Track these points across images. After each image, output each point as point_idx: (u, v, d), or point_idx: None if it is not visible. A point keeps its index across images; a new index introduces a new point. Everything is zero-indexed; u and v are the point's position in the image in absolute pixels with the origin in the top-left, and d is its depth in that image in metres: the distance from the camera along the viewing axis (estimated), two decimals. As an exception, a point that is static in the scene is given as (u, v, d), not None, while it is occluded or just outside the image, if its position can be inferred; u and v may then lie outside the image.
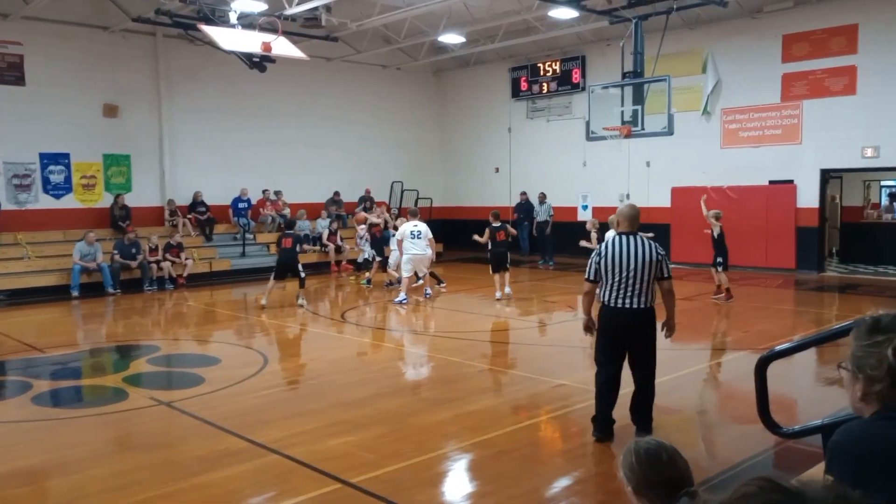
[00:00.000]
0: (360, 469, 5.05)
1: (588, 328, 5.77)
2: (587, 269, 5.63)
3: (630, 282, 5.40)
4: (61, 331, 11.51)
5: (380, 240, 15.19)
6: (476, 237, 13.21)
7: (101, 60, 16.27)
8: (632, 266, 5.40)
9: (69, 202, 16.12)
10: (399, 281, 13.42)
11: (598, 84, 15.06)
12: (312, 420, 6.25)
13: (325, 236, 18.13)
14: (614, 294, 5.45)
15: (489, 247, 13.05)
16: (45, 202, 15.79)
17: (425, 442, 5.68)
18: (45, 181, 15.82)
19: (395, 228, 14.33)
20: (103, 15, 15.91)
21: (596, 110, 14.19)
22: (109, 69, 16.41)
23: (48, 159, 15.82)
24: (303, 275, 12.52)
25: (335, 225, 18.42)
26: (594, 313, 5.75)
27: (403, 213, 14.74)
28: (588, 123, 14.33)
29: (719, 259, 12.07)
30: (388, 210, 19.13)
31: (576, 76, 19.50)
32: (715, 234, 12.06)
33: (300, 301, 12.56)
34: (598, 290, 5.68)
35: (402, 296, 12.78)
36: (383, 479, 4.89)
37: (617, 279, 5.41)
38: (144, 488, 4.85)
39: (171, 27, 15.41)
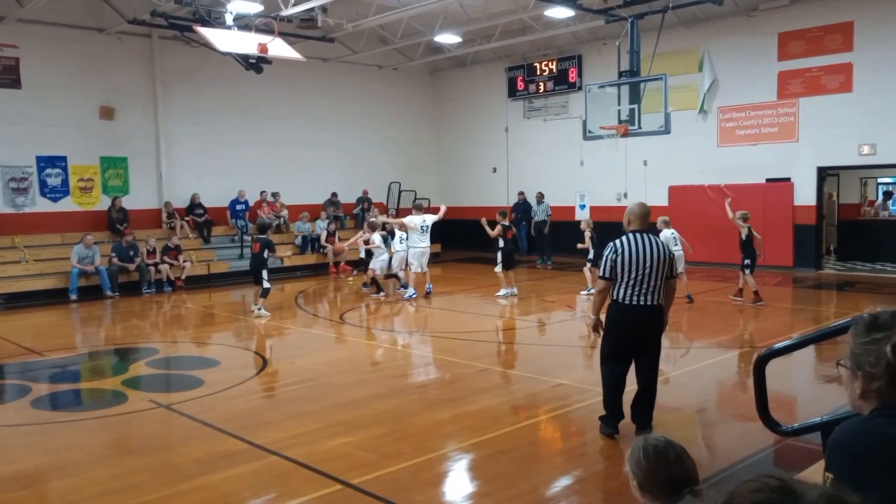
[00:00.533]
0: (360, 470, 5.05)
1: (597, 329, 5.75)
2: (602, 266, 5.58)
3: (646, 279, 5.40)
4: (60, 334, 11.49)
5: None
6: (487, 227, 13.31)
7: (96, 63, 16.24)
8: (647, 264, 5.40)
9: (66, 205, 16.10)
10: (405, 285, 13.60)
11: (595, 83, 15.07)
12: (312, 421, 6.25)
13: (323, 238, 18.12)
14: (630, 291, 5.44)
15: (500, 245, 13.22)
16: (43, 205, 15.76)
17: (425, 442, 5.68)
18: (42, 184, 15.79)
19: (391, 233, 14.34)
20: (99, 17, 15.89)
21: (593, 109, 14.19)
22: (105, 71, 16.38)
23: (45, 162, 15.80)
24: (266, 285, 11.69)
25: (333, 226, 18.42)
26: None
27: (406, 212, 14.77)
28: (585, 123, 14.33)
29: (747, 261, 11.63)
30: (387, 211, 19.22)
31: (572, 75, 19.51)
32: (743, 236, 11.70)
33: (256, 307, 11.83)
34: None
35: (410, 291, 13.16)
36: (383, 480, 4.89)
37: (633, 276, 5.41)
38: (143, 491, 4.85)
39: (167, 29, 15.39)
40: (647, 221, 5.65)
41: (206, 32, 13.26)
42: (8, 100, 15.08)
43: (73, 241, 14.85)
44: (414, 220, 13.31)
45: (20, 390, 7.67)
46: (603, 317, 5.74)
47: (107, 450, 5.89)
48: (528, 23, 17.57)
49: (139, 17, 15.11)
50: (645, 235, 5.52)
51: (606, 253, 5.56)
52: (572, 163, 19.49)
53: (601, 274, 5.59)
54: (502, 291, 13.23)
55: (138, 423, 6.50)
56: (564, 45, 19.64)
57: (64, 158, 16.04)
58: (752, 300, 11.65)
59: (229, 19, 13.37)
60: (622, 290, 5.46)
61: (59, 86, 15.68)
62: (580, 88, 18.44)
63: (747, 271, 11.66)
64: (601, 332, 5.75)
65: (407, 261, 13.73)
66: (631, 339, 5.55)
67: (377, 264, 13.54)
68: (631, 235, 5.52)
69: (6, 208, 15.24)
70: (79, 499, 4.79)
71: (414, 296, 13.11)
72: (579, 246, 13.26)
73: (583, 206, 19.48)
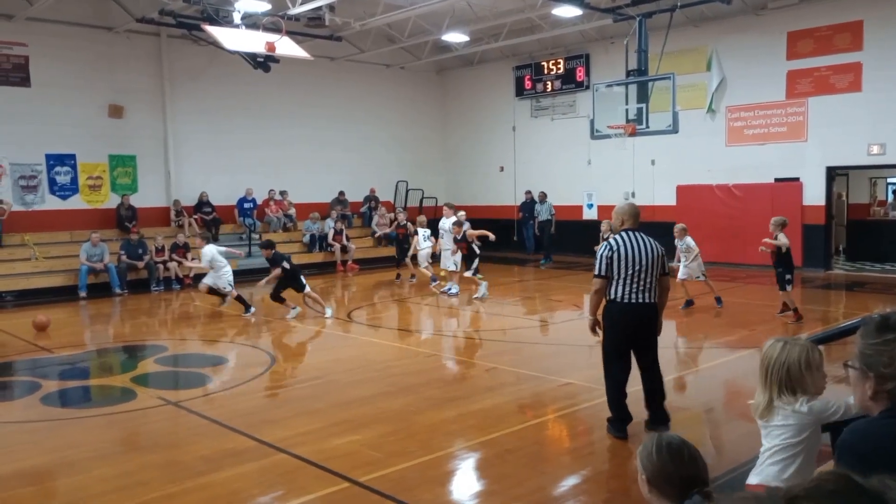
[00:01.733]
0: (366, 468, 5.05)
1: (594, 329, 5.73)
2: (597, 265, 5.55)
3: (642, 277, 5.42)
4: (69, 331, 11.53)
5: (402, 240, 15.65)
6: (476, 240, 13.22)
7: (105, 61, 16.31)
8: (643, 261, 5.42)
9: (76, 203, 16.19)
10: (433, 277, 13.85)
11: (603, 82, 15.04)
12: (318, 419, 6.26)
13: (330, 236, 18.15)
14: (627, 289, 5.44)
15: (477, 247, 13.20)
16: (52, 203, 15.85)
17: (431, 441, 5.68)
18: (52, 182, 15.88)
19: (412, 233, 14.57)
20: (107, 15, 15.94)
21: (600, 108, 14.18)
22: (114, 70, 16.46)
23: (54, 160, 15.89)
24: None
25: (340, 225, 18.44)
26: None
27: (415, 211, 14.80)
28: (592, 122, 14.31)
29: (788, 276, 10.18)
30: (394, 209, 19.38)
31: (580, 74, 19.46)
32: (783, 248, 10.18)
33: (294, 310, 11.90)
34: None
35: (455, 287, 13.36)
36: (390, 478, 4.89)
37: (630, 274, 5.41)
38: (150, 488, 4.87)
39: (175, 27, 15.44)
40: (638, 220, 5.66)
41: (214, 31, 13.29)
42: (17, 98, 15.17)
43: (82, 239, 14.92)
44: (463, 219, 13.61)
45: (30, 387, 7.71)
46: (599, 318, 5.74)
47: (114, 447, 5.91)
48: (536, 22, 17.54)
49: (147, 16, 15.16)
50: (638, 234, 5.55)
51: (601, 251, 5.55)
52: (580, 162, 19.45)
53: (597, 272, 5.55)
54: (482, 292, 12.89)
55: (146, 420, 6.53)
56: (572, 44, 19.60)
57: (73, 156, 16.13)
58: (783, 309, 10.55)
59: (237, 18, 13.40)
60: (619, 289, 5.46)
61: (68, 84, 15.76)
62: (588, 87, 18.40)
63: (788, 287, 10.26)
64: (599, 333, 5.73)
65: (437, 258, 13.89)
66: (629, 338, 5.55)
67: (212, 279, 12.18)
68: (625, 234, 5.53)
69: (16, 206, 15.32)
70: (85, 496, 4.81)
71: (457, 292, 13.33)
72: (596, 248, 13.24)
73: (590, 206, 19.44)
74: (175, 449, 5.67)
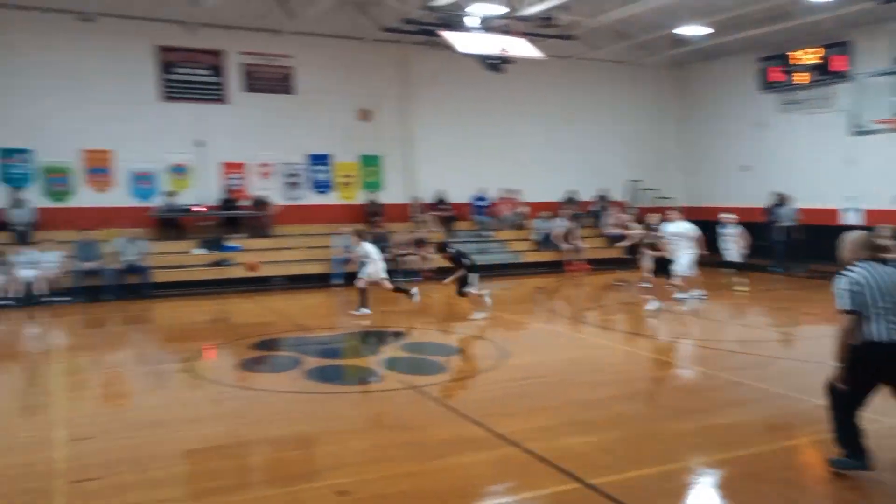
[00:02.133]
0: (598, 471, 4.98)
1: (845, 382, 4.87)
2: (841, 299, 4.77)
3: None
4: (325, 314, 12.85)
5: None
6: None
7: (356, 69, 17.89)
8: None
9: (331, 199, 17.99)
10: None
11: (866, 72, 13.32)
12: (549, 416, 6.30)
13: (560, 235, 18.17)
14: (887, 326, 4.70)
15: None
16: (311, 198, 17.76)
17: (667, 451, 5.46)
18: (311, 180, 17.80)
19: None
20: (357, 26, 17.33)
21: (862, 101, 12.65)
22: (363, 76, 17.99)
23: (314, 160, 17.80)
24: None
25: (570, 224, 18.39)
26: None
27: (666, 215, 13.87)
28: (853, 116, 12.75)
29: None
30: (625, 209, 18.91)
31: (837, 64, 17.34)
32: None
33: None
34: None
35: (690, 300, 12.40)
36: (622, 484, 4.78)
37: (887, 308, 4.68)
38: (397, 464, 5.25)
39: (417, 34, 16.44)
40: (875, 252, 4.95)
41: (448, 36, 13.95)
42: (284, 105, 17.23)
43: (337, 232, 16.41)
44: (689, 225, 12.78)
45: (293, 362, 8.73)
46: None
47: (365, 423, 6.48)
48: (785, 9, 15.98)
49: (391, 25, 16.29)
50: (879, 264, 4.84)
51: (841, 284, 4.77)
52: (835, 161, 17.39)
53: (844, 308, 4.75)
54: (656, 304, 11.98)
55: (391, 400, 7.07)
56: (827, 31, 17.50)
57: (330, 157, 17.94)
58: None
59: (472, 22, 13.93)
60: (876, 326, 4.69)
61: (325, 91, 17.55)
62: (846, 78, 16.38)
63: None
64: (846, 385, 4.90)
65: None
66: (885, 379, 4.80)
67: (365, 273, 12.34)
68: (871, 264, 4.80)
69: (283, 201, 17.40)
70: (339, 464, 5.31)
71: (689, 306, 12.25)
72: None
73: (853, 210, 17.27)
74: (417, 431, 6.05)
